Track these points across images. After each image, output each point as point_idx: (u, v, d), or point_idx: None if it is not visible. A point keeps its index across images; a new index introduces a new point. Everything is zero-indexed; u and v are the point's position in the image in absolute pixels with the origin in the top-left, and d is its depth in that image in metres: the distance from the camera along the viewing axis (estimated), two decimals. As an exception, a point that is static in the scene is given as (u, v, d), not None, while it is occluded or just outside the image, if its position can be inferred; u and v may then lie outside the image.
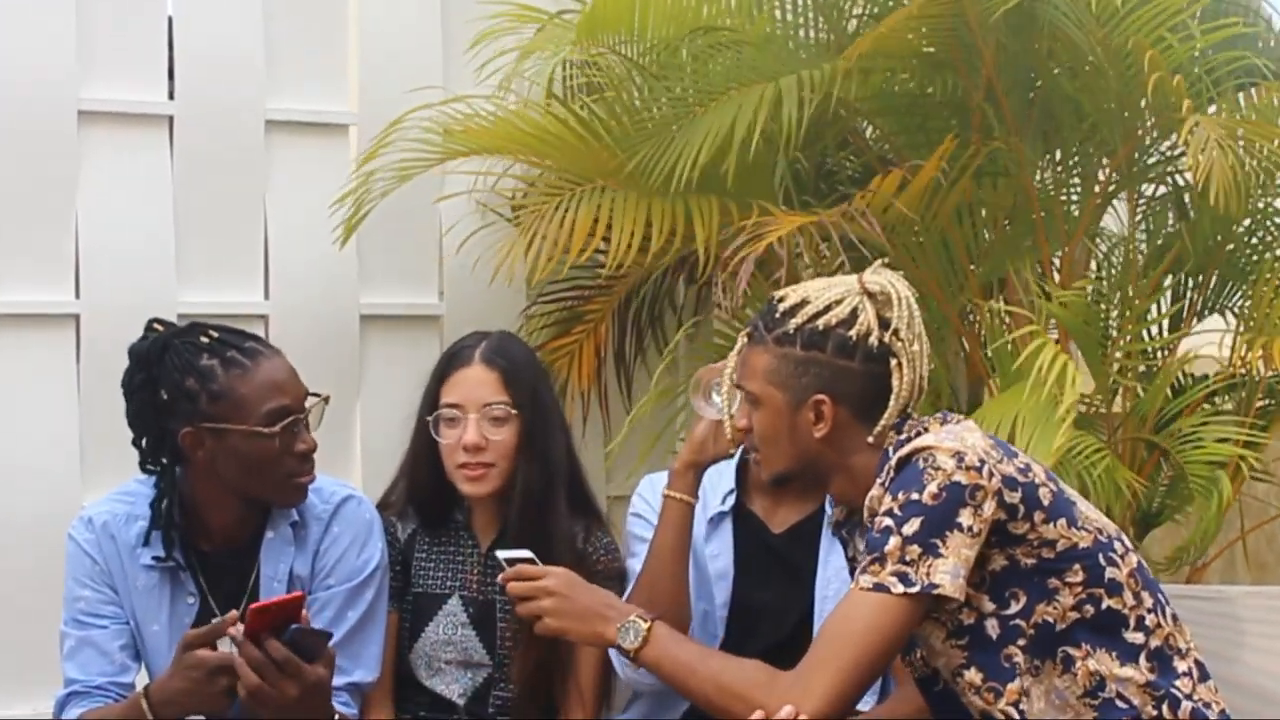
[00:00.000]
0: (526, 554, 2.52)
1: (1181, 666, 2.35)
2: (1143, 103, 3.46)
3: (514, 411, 2.99)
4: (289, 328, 3.66)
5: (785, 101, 3.34)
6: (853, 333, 2.36)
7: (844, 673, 2.22)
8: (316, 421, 2.78)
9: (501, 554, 2.53)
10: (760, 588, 2.99)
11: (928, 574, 2.22)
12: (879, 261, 2.49)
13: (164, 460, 2.76)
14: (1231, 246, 3.71)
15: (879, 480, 2.32)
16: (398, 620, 3.06)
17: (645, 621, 2.38)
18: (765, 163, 3.55)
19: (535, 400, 3.03)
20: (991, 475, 2.25)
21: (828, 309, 2.37)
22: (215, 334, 2.74)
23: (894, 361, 2.37)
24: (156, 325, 2.78)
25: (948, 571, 2.22)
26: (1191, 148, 3.04)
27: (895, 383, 2.36)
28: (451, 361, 3.05)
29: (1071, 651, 2.31)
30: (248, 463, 2.71)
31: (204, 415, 2.69)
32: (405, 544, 3.09)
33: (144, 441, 2.77)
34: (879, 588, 2.23)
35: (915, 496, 2.24)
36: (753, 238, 3.14)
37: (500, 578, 2.51)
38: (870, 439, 2.38)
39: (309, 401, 2.77)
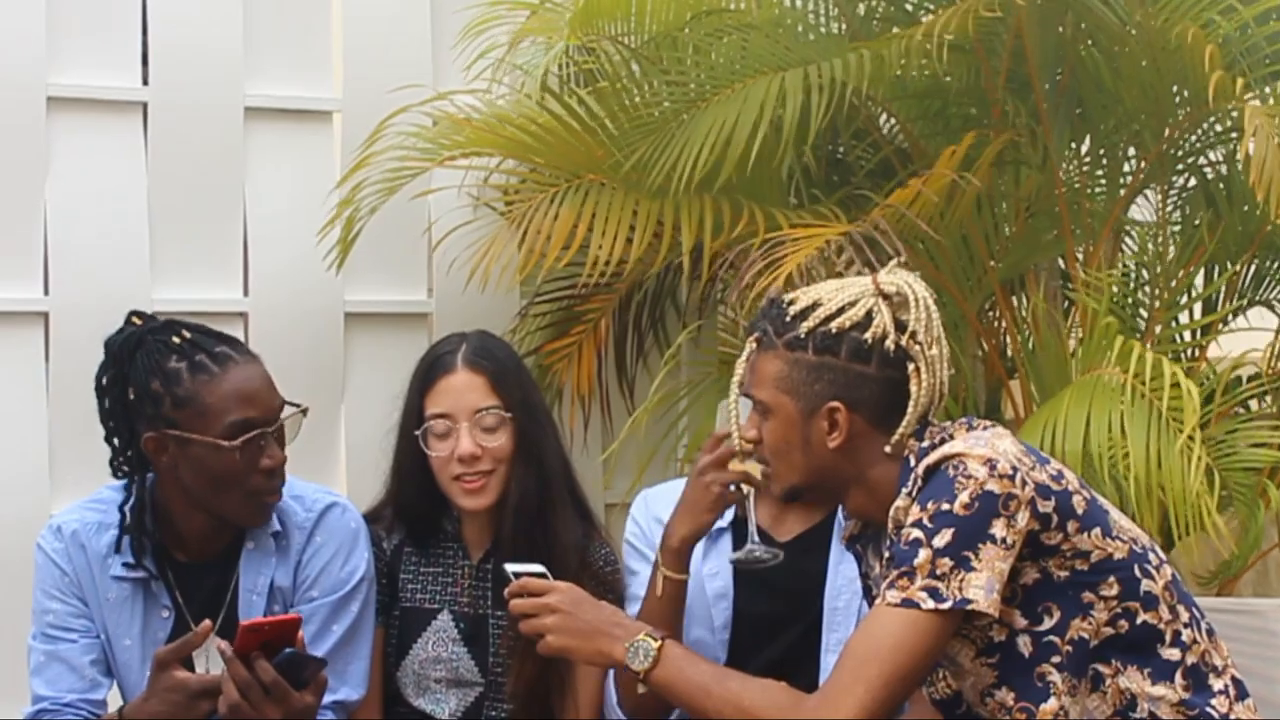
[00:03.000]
0: (537, 568, 2.49)
1: (1218, 684, 2.34)
2: (1174, 88, 3.44)
3: (507, 415, 2.96)
4: (269, 326, 3.65)
5: (795, 94, 3.31)
6: (868, 336, 2.33)
7: (872, 694, 2.19)
8: (293, 433, 2.74)
9: (510, 567, 2.50)
10: (764, 601, 2.95)
11: (960, 589, 2.20)
12: (894, 261, 2.47)
13: (134, 463, 2.73)
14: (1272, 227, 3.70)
15: (905, 490, 2.30)
16: (384, 637, 3.02)
17: (655, 640, 2.35)
18: (772, 155, 3.53)
19: (526, 401, 3.00)
20: (1025, 483, 2.23)
21: (841, 311, 2.35)
22: (189, 334, 2.70)
23: (912, 366, 2.34)
24: (135, 318, 2.75)
25: (981, 586, 2.20)
26: (1258, 142, 3.01)
27: (913, 388, 2.34)
28: (432, 369, 3.00)
29: (1101, 669, 2.29)
30: (209, 475, 2.68)
31: (167, 421, 2.66)
32: (391, 556, 3.05)
33: (115, 441, 2.73)
34: (908, 603, 2.20)
35: (946, 507, 2.22)
36: (769, 263, 3.10)
37: (505, 592, 2.48)
38: (888, 448, 2.35)
39: (287, 412, 2.72)
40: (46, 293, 3.49)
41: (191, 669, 2.60)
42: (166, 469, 2.70)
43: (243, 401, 2.66)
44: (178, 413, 2.65)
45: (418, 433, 2.96)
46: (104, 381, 2.72)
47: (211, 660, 2.69)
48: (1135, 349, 3.12)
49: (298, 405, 2.74)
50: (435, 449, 2.96)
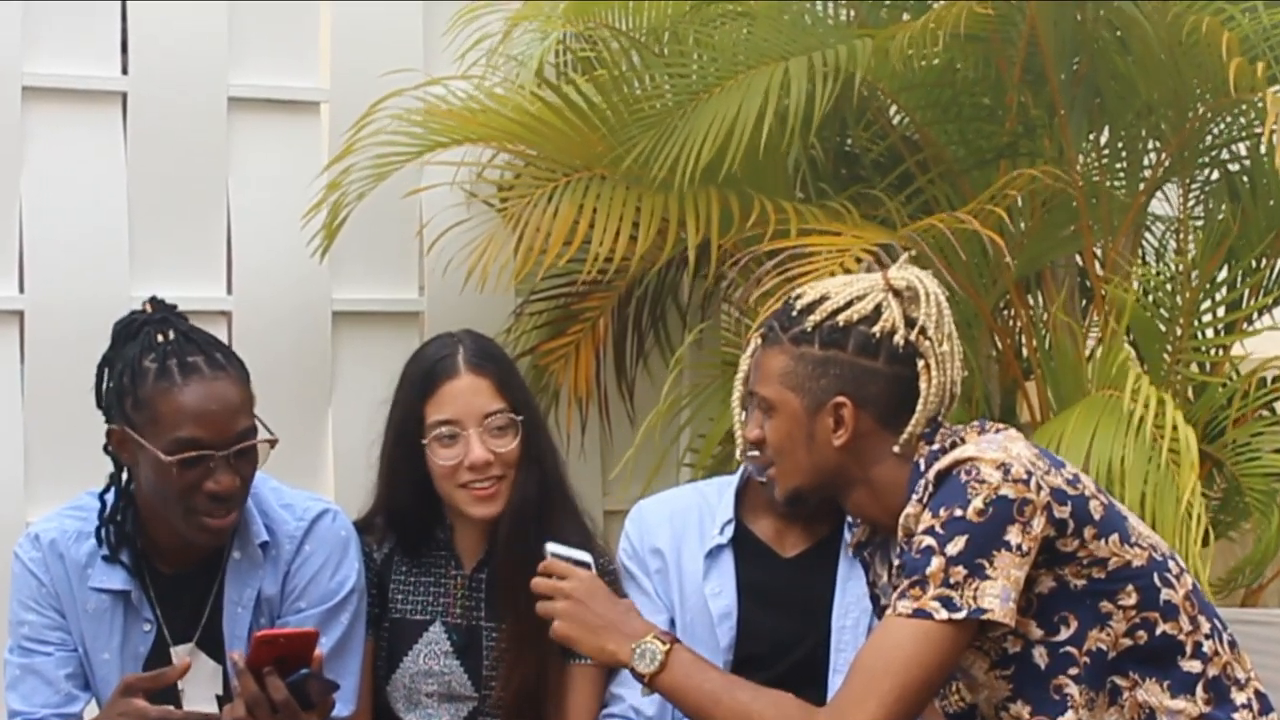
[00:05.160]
0: (582, 556, 2.52)
1: (1240, 698, 2.33)
2: (1194, 80, 3.44)
3: (517, 418, 2.95)
4: (254, 325, 3.65)
5: (799, 83, 3.32)
6: (876, 330, 2.34)
7: (885, 708, 2.19)
8: (263, 458, 2.71)
9: (551, 547, 2.52)
10: (769, 619, 2.94)
11: (974, 598, 2.19)
12: (905, 256, 2.47)
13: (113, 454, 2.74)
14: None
15: (915, 496, 2.29)
16: (374, 649, 3.02)
17: (664, 644, 2.36)
18: (777, 147, 3.54)
19: (527, 402, 3.01)
20: (1040, 488, 2.23)
21: (849, 305, 2.35)
22: (172, 335, 2.70)
23: (921, 363, 2.34)
24: (148, 305, 2.73)
25: (996, 595, 2.20)
26: None
27: (923, 386, 2.34)
28: (432, 374, 2.98)
29: (1119, 681, 2.29)
30: (153, 485, 2.67)
31: (127, 418, 2.66)
32: (381, 566, 3.04)
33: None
34: (920, 614, 2.20)
35: (959, 513, 2.22)
36: (783, 276, 3.11)
37: (539, 567, 2.50)
38: (896, 449, 2.35)
39: (262, 436, 2.68)
40: (21, 291, 3.49)
41: (176, 694, 2.63)
42: (130, 466, 2.70)
43: (193, 419, 2.62)
44: (136, 414, 2.64)
45: (425, 441, 2.94)
46: (100, 364, 2.72)
47: (192, 688, 2.70)
48: (1144, 385, 3.13)
49: (270, 436, 2.70)
50: (442, 457, 2.93)
